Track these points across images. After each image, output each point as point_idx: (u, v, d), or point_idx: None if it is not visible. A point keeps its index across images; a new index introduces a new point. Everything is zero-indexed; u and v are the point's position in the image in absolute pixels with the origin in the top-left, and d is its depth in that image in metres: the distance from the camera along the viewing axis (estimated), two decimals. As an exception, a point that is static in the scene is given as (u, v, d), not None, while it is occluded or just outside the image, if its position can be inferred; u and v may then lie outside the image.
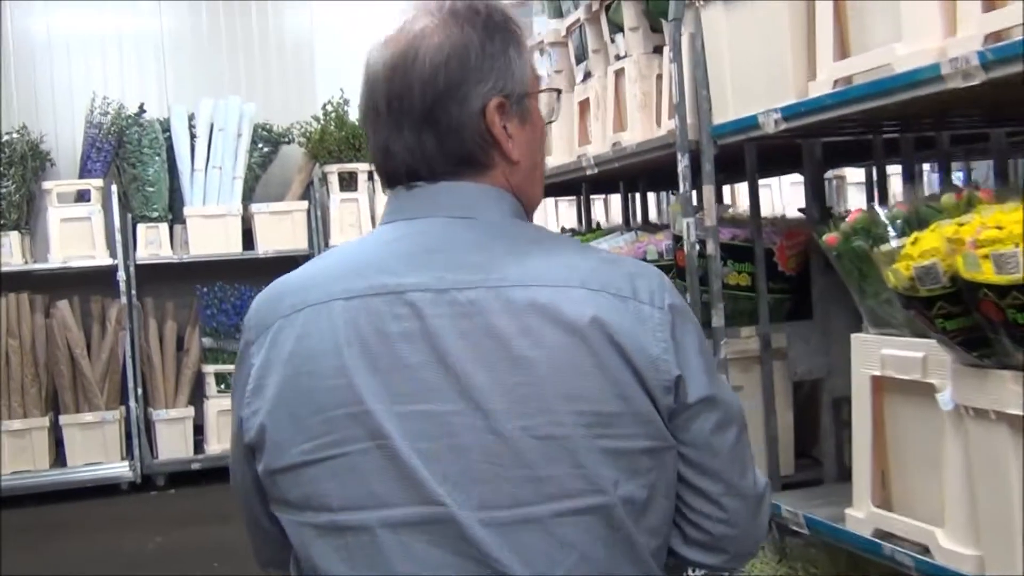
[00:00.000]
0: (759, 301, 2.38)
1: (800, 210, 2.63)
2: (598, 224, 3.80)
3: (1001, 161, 2.50)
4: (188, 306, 6.77)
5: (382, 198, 6.80)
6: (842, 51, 1.88)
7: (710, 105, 2.30)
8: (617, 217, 4.54)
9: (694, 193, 2.34)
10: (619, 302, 1.21)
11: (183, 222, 6.72)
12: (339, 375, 1.19)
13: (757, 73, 2.11)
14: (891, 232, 1.78)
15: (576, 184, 3.62)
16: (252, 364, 1.26)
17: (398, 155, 1.27)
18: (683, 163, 2.35)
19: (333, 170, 6.83)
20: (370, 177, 6.85)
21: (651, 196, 4.22)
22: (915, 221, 1.74)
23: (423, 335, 1.18)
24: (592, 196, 4.39)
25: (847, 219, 1.87)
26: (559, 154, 3.24)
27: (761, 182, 3.49)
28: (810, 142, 2.42)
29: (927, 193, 1.90)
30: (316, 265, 1.32)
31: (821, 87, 1.88)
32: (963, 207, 1.63)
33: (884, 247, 1.63)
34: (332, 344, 1.20)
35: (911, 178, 2.53)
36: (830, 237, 1.88)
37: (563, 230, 3.71)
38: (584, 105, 3.07)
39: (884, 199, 2.57)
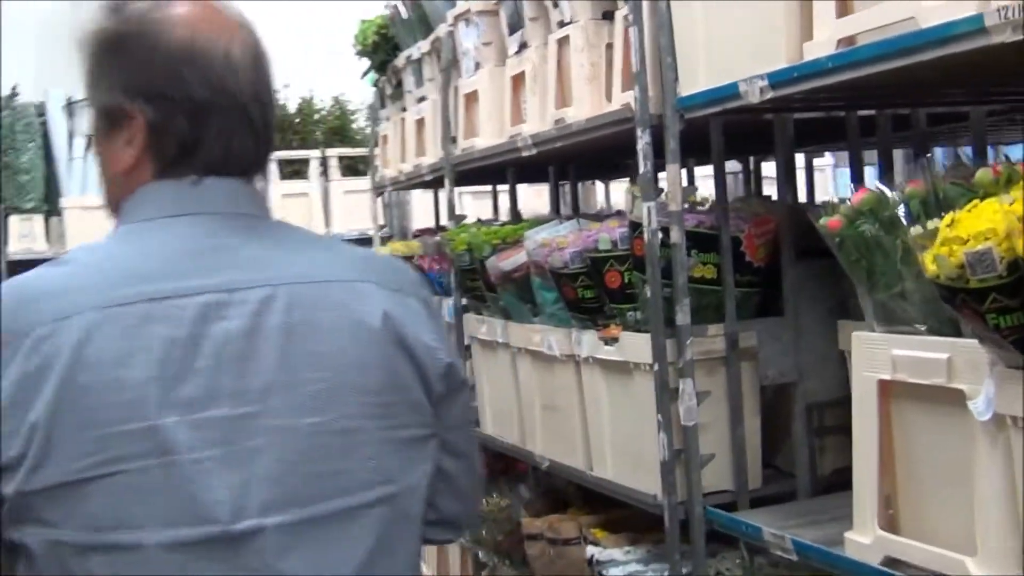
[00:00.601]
0: (725, 295, 2.14)
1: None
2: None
3: (979, 142, 2.30)
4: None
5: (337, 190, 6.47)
6: (842, 8, 1.64)
7: (676, 75, 2.04)
8: (538, 208, 4.28)
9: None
10: (398, 295, 1.28)
11: (60, 214, 6.23)
12: (121, 389, 1.13)
13: (738, 35, 1.85)
14: (901, 214, 1.55)
15: (490, 171, 3.33)
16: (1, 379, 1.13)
17: (204, 144, 1.24)
18: (644, 140, 2.09)
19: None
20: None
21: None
22: (935, 201, 1.50)
23: (214, 338, 1.17)
24: (498, 187, 4.13)
25: (851, 200, 1.62)
26: (487, 135, 2.96)
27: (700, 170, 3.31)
28: (782, 118, 2.19)
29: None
30: (75, 267, 1.22)
31: (820, 48, 1.63)
32: (1003, 184, 1.40)
33: (916, 230, 1.39)
34: (113, 355, 1.14)
35: (887, 161, 2.32)
36: (832, 221, 1.64)
37: (480, 221, 3.43)
38: (518, 80, 2.79)
39: (858, 185, 2.36)
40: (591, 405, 2.41)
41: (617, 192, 4.99)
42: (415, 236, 4.25)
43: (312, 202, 6.57)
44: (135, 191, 1.26)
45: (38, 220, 6.23)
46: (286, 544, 1.17)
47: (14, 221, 6.17)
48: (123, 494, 1.13)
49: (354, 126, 6.95)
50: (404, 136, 3.86)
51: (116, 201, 1.29)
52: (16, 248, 6.16)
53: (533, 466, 2.87)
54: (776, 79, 1.73)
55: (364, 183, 6.53)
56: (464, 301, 3.15)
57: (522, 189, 4.80)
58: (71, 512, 1.13)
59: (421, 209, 6.09)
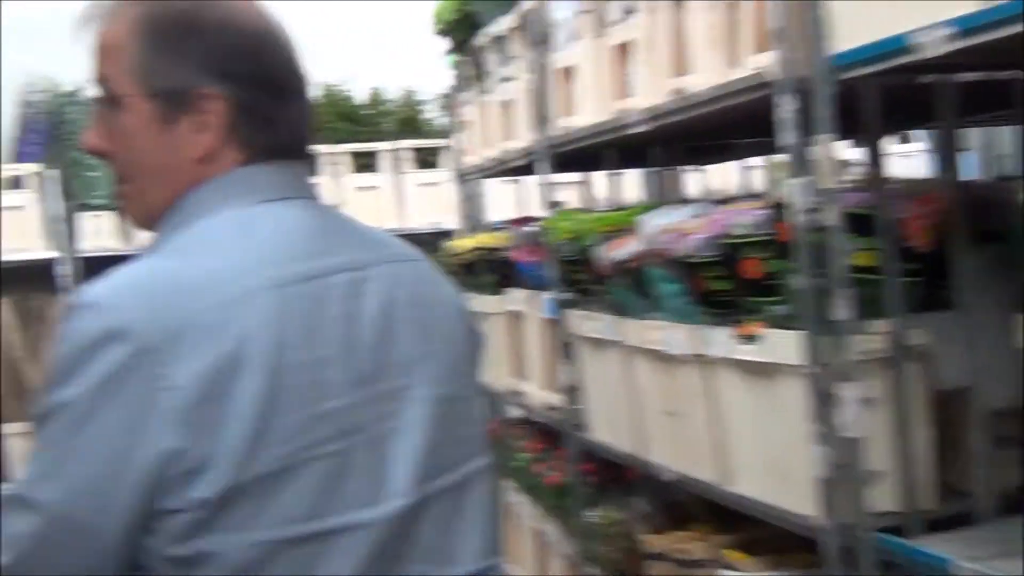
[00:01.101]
0: (886, 287, 1.85)
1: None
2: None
3: None
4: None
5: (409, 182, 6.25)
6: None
7: (825, 31, 1.75)
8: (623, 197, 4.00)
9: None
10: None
11: (128, 210, 6.09)
12: (311, 370, 1.11)
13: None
14: None
15: (577, 158, 3.05)
16: (168, 376, 1.05)
17: (285, 127, 1.21)
18: (788, 106, 1.81)
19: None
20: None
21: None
22: None
23: (362, 315, 1.17)
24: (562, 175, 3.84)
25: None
26: (588, 113, 2.69)
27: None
28: (944, 82, 1.89)
29: None
30: (213, 254, 1.15)
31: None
32: None
33: None
34: (298, 336, 1.11)
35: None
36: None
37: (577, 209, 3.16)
38: (622, 50, 2.52)
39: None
40: (723, 411, 2.14)
41: (715, 177, 4.70)
42: (502, 227, 3.99)
43: (384, 195, 6.36)
44: (213, 177, 1.19)
45: (108, 217, 6.10)
46: (444, 512, 1.19)
47: (85, 218, 6.04)
48: (316, 481, 1.10)
49: (425, 117, 6.73)
50: (489, 120, 3.60)
51: (173, 190, 1.20)
52: (88, 245, 6.03)
53: (648, 476, 2.60)
54: (971, 24, 1.44)
55: (437, 175, 6.34)
56: (566, 295, 2.88)
57: (599, 178, 4.57)
58: (263, 508, 1.08)
59: (498, 200, 5.86)
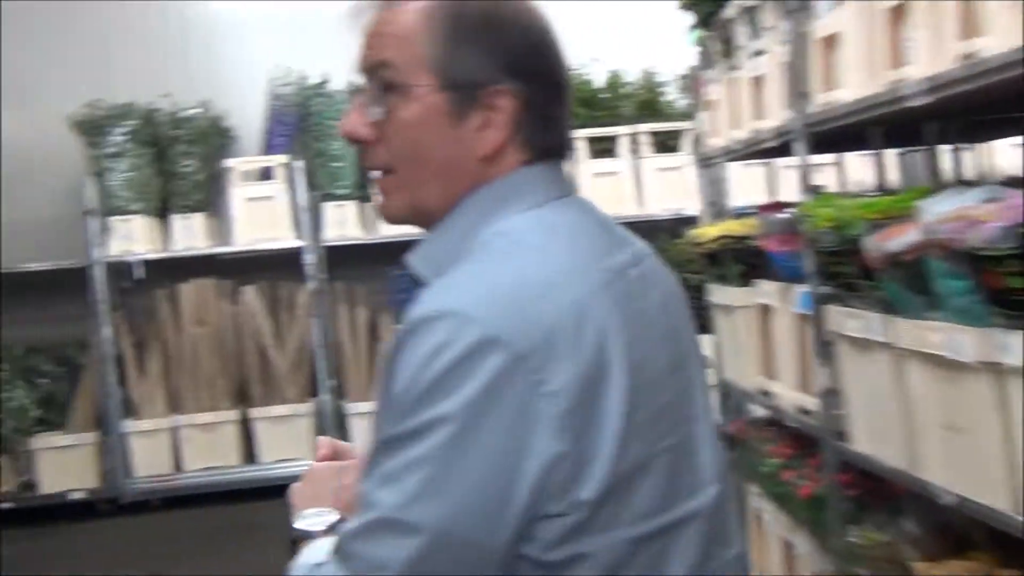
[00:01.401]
0: None
1: None
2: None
3: None
4: (381, 290, 6.23)
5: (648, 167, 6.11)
6: None
7: None
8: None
9: None
10: None
11: (372, 199, 6.16)
12: (651, 365, 1.13)
13: None
14: None
15: (832, 138, 2.76)
16: (545, 382, 1.04)
17: (560, 126, 1.23)
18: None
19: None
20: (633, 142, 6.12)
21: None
22: None
23: (658, 307, 1.19)
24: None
25: None
26: (854, 86, 2.41)
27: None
28: None
29: None
30: (543, 257, 1.13)
31: None
32: None
33: None
34: (636, 332, 1.11)
35: None
36: None
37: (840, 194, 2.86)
38: (896, 14, 2.22)
39: None
40: (1019, 429, 1.83)
41: (983, 156, 4.24)
42: (748, 214, 3.72)
43: (622, 181, 6.17)
44: (496, 178, 1.18)
45: (351, 206, 6.20)
46: (725, 497, 1.21)
47: (329, 208, 6.17)
48: (662, 475, 1.11)
49: (665, 99, 6.47)
50: (737, 99, 3.35)
51: (451, 187, 1.18)
52: (332, 235, 6.16)
53: (918, 495, 2.30)
54: None
55: (677, 159, 6.10)
56: (825, 289, 2.61)
57: (851, 159, 4.20)
58: (626, 506, 1.08)
59: (742, 185, 5.56)
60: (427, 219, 1.20)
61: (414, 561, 1.02)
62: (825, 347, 2.64)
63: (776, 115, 2.94)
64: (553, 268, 1.11)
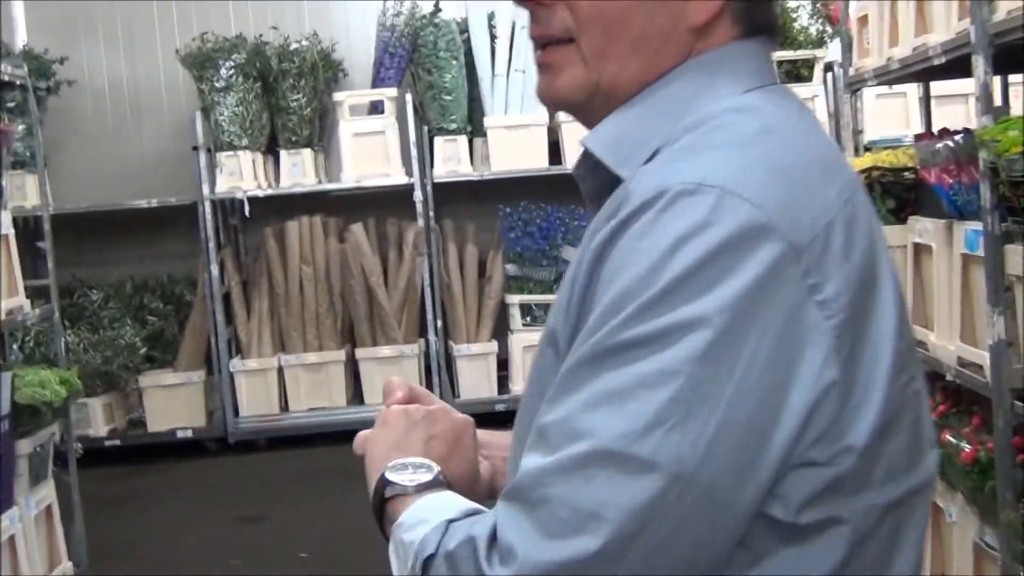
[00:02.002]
0: None
1: None
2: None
3: None
4: (490, 229, 6.02)
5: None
6: None
7: None
8: None
9: None
10: None
11: (484, 135, 5.95)
12: (895, 292, 0.88)
13: None
14: None
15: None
16: (820, 287, 0.80)
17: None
18: None
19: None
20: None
21: None
22: None
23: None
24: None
25: None
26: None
27: None
28: None
29: None
30: (812, 133, 0.91)
31: None
32: None
33: None
34: (882, 243, 0.89)
35: None
36: None
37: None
38: None
39: None
40: None
41: None
42: (901, 144, 3.37)
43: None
44: (706, 52, 0.95)
45: (462, 141, 5.98)
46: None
47: (439, 143, 5.96)
48: (909, 427, 0.88)
49: (797, 25, 6.06)
50: (894, 13, 2.99)
51: (654, 61, 0.94)
52: (441, 171, 5.95)
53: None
54: None
55: (810, 89, 5.71)
56: (1006, 226, 2.27)
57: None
58: (878, 460, 0.85)
59: (881, 113, 5.17)
60: (607, 101, 0.95)
61: (641, 510, 0.77)
62: (1001, 292, 2.31)
63: (943, 28, 2.59)
64: (822, 152, 0.90)
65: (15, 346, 4.32)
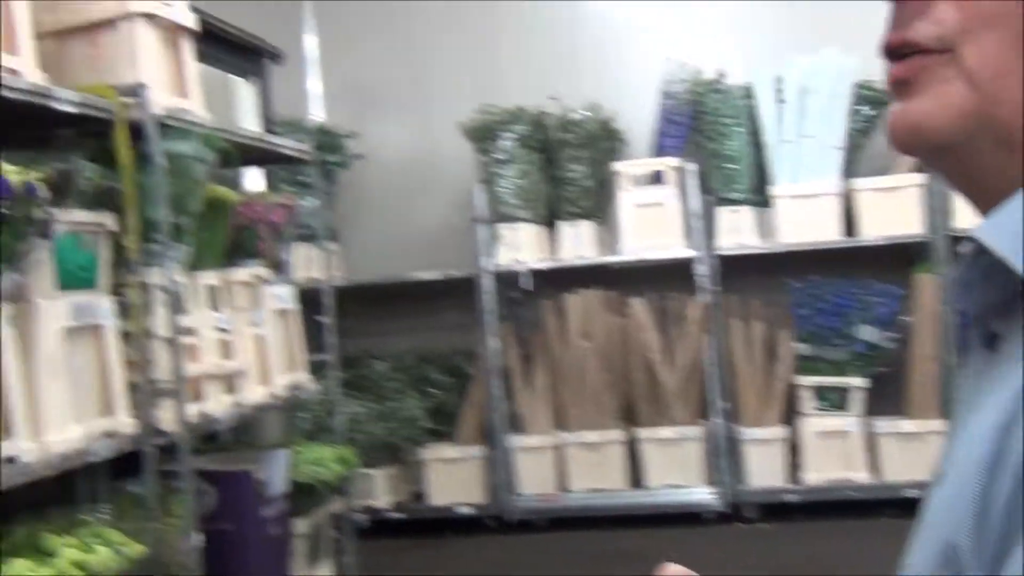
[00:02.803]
0: None
1: None
2: None
3: None
4: (777, 305, 5.66)
5: None
6: None
7: None
8: None
9: None
10: None
11: (770, 204, 5.61)
12: None
13: None
14: None
15: None
16: None
17: None
18: None
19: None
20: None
21: None
22: None
23: None
24: None
25: None
26: None
27: None
28: None
29: None
30: None
31: None
32: None
33: None
34: None
35: None
36: None
37: None
38: None
39: None
40: None
41: None
42: None
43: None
44: None
45: (747, 212, 5.68)
46: None
47: (723, 214, 5.68)
48: None
49: None
50: None
51: None
52: (725, 243, 5.66)
53: None
54: None
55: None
56: None
57: None
58: None
59: None
60: (1000, 146, 0.64)
61: None
62: None
63: None
64: None
65: (303, 417, 4.40)
